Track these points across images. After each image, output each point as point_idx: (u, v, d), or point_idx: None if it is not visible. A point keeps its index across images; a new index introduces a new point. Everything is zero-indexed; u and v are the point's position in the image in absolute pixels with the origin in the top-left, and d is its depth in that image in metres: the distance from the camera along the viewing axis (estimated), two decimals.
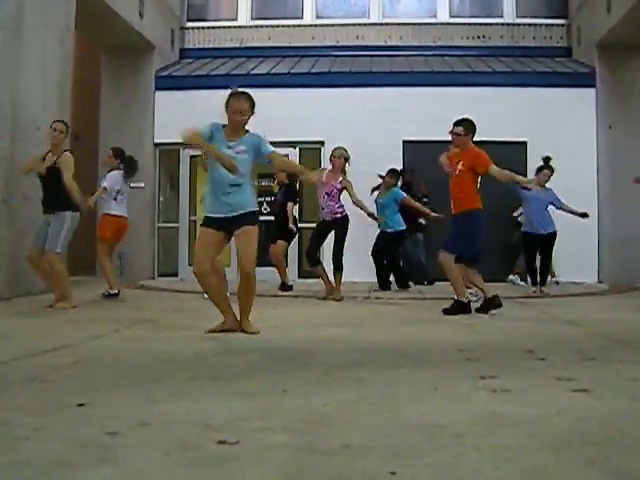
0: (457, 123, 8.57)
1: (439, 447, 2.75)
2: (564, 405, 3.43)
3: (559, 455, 2.64)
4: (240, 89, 6.47)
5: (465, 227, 8.44)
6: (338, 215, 10.41)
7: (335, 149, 10.62)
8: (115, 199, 10.12)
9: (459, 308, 8.25)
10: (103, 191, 10.07)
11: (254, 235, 6.32)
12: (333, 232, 10.49)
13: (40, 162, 8.61)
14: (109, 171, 10.36)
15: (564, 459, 2.61)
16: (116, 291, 9.96)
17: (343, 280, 10.47)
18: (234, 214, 6.25)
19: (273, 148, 6.51)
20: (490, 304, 8.27)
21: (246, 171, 6.34)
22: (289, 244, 12.13)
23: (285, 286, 11.71)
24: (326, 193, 10.35)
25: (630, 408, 3.43)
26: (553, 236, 11.40)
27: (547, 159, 11.47)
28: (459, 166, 8.38)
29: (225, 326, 6.36)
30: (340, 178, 10.40)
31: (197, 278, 6.40)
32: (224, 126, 6.39)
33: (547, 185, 11.38)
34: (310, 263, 10.78)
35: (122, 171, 10.30)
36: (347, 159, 10.49)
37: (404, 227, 11.73)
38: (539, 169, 11.45)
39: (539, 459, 2.60)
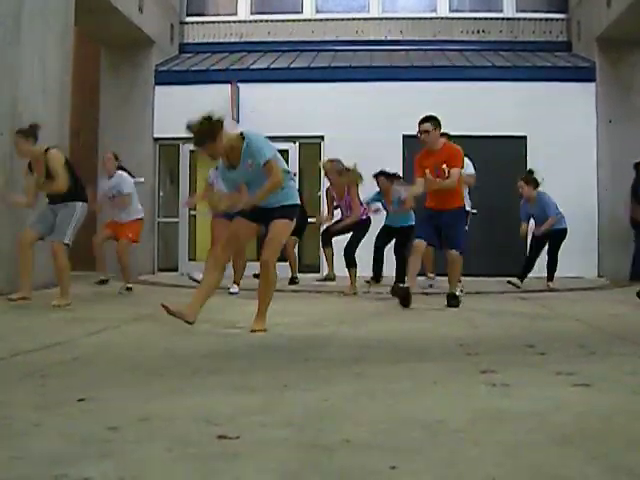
0: (423, 120, 8.54)
1: (439, 442, 2.75)
2: (564, 400, 3.43)
3: (559, 450, 2.64)
4: (188, 123, 5.95)
5: (463, 222, 8.65)
6: (364, 216, 10.72)
7: (325, 163, 10.82)
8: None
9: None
10: (128, 198, 10.16)
11: (282, 228, 6.24)
12: (353, 231, 10.70)
13: (32, 179, 8.36)
14: (109, 177, 10.37)
15: (564, 454, 2.60)
16: (131, 285, 10.26)
17: (342, 275, 10.53)
18: (267, 207, 6.18)
19: (267, 157, 6.04)
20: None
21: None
22: (299, 239, 12.03)
23: (293, 280, 11.71)
24: (347, 207, 10.76)
25: (631, 402, 3.43)
26: (560, 233, 11.38)
27: (529, 172, 11.58)
28: (445, 168, 8.38)
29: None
30: (347, 189, 10.63)
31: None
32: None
33: (542, 189, 11.42)
34: (351, 265, 10.66)
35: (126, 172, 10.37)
36: (339, 170, 10.62)
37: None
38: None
39: (539, 454, 2.60)
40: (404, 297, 8.27)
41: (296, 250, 12.80)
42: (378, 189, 11.04)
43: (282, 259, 11.28)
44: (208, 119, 5.88)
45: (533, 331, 6.39)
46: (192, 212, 15.48)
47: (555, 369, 4.19)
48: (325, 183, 12.31)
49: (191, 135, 5.94)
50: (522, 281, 11.41)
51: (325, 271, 12.13)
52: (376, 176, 11.03)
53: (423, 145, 8.62)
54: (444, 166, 8.36)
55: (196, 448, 2.65)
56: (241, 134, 6.11)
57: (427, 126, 8.45)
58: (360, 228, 10.63)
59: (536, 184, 11.37)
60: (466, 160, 9.23)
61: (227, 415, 3.12)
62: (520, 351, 5.07)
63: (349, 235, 10.71)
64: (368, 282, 11.11)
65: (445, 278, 8.99)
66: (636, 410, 3.28)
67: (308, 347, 5.31)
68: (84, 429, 2.90)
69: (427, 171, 8.41)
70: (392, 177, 11.11)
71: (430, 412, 3.19)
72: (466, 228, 9.60)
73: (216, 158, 6.19)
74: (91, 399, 3.40)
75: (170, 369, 4.32)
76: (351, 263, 10.41)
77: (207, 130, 5.88)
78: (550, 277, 11.60)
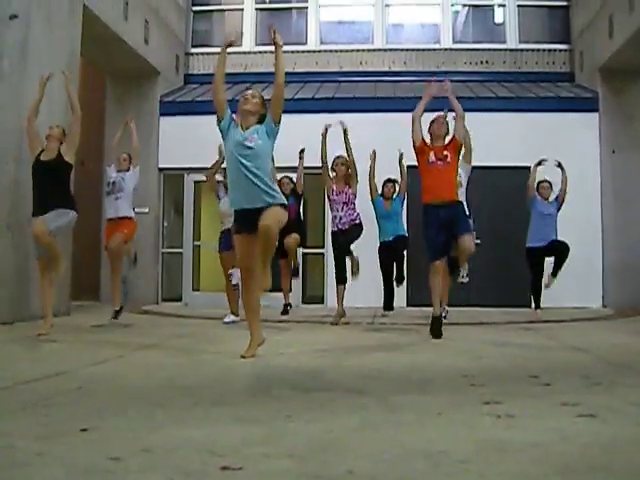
0: (438, 116, 8.77)
1: (443, 474, 2.74)
2: (569, 430, 3.41)
3: None
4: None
5: (465, 214, 8.81)
6: (357, 221, 10.60)
7: (336, 157, 10.74)
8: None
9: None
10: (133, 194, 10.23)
11: (278, 210, 6.33)
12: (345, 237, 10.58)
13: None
14: (119, 170, 10.26)
15: None
16: (118, 308, 10.02)
17: (346, 304, 10.52)
18: (258, 208, 6.31)
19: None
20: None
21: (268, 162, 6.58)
22: (301, 244, 11.86)
23: (296, 271, 11.61)
24: (343, 203, 10.54)
25: (636, 433, 3.41)
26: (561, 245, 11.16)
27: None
28: (446, 153, 8.41)
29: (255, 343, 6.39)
30: (350, 185, 10.66)
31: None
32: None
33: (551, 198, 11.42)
34: (342, 281, 10.67)
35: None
36: (348, 166, 10.70)
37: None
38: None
39: None
40: (437, 327, 8.27)
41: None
42: (382, 193, 11.28)
43: (279, 289, 11.31)
44: None
45: (537, 362, 6.37)
46: (196, 243, 15.51)
47: (559, 400, 4.17)
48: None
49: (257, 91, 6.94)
50: (537, 308, 11.28)
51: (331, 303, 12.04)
52: (385, 183, 11.35)
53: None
54: (445, 152, 8.40)
55: (199, 479, 2.64)
56: (266, 114, 6.78)
57: (443, 119, 8.69)
58: (355, 232, 10.57)
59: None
60: (466, 165, 9.36)
61: (230, 446, 3.11)
62: (524, 382, 5.05)
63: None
64: (384, 315, 11.11)
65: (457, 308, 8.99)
66: None
67: (311, 378, 5.30)
68: (86, 459, 2.89)
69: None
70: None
71: (434, 443, 3.18)
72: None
73: (248, 107, 6.74)
74: (94, 429, 3.39)
75: (173, 399, 4.31)
76: (341, 280, 10.51)
77: (264, 99, 6.97)
78: (554, 274, 11.31)
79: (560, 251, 11.05)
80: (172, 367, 5.82)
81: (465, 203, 9.43)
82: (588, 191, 14.52)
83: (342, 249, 10.48)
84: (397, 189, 11.38)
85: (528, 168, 14.22)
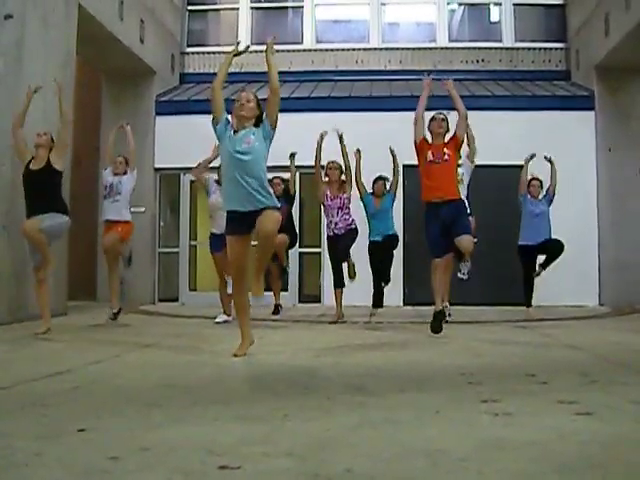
0: (439, 113, 8.76)
1: (442, 472, 2.74)
2: (567, 429, 3.42)
3: (562, 479, 2.63)
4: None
5: (466, 213, 8.72)
6: (352, 226, 10.61)
7: (329, 162, 10.74)
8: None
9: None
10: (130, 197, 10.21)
11: (274, 214, 6.33)
12: (342, 243, 10.56)
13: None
14: (116, 174, 10.23)
15: None
16: (116, 310, 10.01)
17: (344, 303, 10.54)
18: (254, 210, 6.33)
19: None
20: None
21: (263, 166, 6.51)
22: (290, 246, 11.81)
23: (276, 309, 11.59)
24: (338, 208, 10.51)
25: (633, 431, 3.41)
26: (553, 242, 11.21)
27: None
28: (446, 151, 8.40)
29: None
30: (344, 190, 10.61)
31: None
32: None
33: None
34: (340, 285, 10.70)
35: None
36: (342, 171, 10.68)
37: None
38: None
39: None
40: (438, 322, 8.25)
41: (294, 277, 12.74)
42: (372, 191, 11.20)
43: (267, 289, 11.27)
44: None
45: (535, 360, 6.38)
46: (192, 242, 15.51)
47: (557, 398, 4.18)
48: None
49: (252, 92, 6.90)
50: (528, 306, 11.31)
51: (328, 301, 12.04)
52: (375, 181, 11.25)
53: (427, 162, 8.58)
54: (445, 149, 8.40)
55: (197, 478, 2.64)
56: (262, 114, 6.75)
57: (443, 116, 8.68)
58: (350, 237, 10.59)
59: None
60: (468, 162, 9.32)
61: (228, 445, 3.11)
62: (522, 380, 5.05)
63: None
64: (372, 314, 11.10)
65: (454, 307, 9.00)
66: (638, 439, 3.26)
67: (309, 376, 5.30)
68: (85, 459, 2.89)
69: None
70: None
71: (432, 441, 3.18)
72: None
73: (244, 111, 6.66)
74: (92, 429, 3.39)
75: (171, 399, 4.30)
76: (339, 283, 10.58)
77: (259, 101, 6.85)
78: (544, 266, 11.37)
79: (552, 250, 11.08)
80: (169, 367, 5.81)
81: (467, 201, 9.43)
82: (584, 189, 14.54)
83: (340, 255, 10.48)
84: (388, 187, 11.34)
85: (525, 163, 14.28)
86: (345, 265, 10.61)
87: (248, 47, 7.01)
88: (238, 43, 6.99)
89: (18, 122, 8.69)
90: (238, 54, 6.91)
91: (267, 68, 6.74)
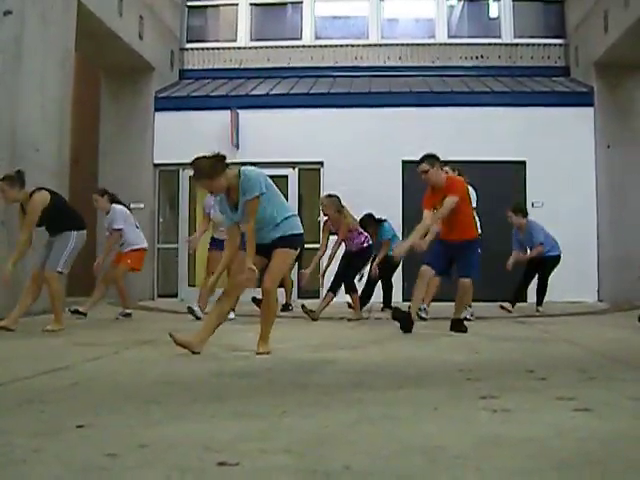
0: (419, 162, 8.46)
1: (440, 468, 2.73)
2: (565, 425, 3.42)
3: (561, 476, 2.63)
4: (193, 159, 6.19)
5: (475, 252, 8.63)
6: (364, 245, 10.68)
7: (322, 200, 10.81)
8: (137, 227, 10.32)
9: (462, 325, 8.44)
10: (117, 234, 10.18)
11: (285, 256, 6.42)
12: (353, 258, 10.63)
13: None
14: (106, 212, 10.37)
15: (565, 479, 2.59)
16: (130, 311, 10.33)
17: (341, 300, 10.56)
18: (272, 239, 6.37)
19: (253, 194, 6.13)
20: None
21: (270, 211, 6.30)
22: (298, 264, 11.92)
23: (286, 307, 11.68)
24: (349, 239, 10.65)
25: (632, 427, 3.41)
26: (553, 259, 11.46)
27: (517, 203, 11.91)
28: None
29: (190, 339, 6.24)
30: (345, 224, 10.54)
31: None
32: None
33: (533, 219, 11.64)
34: (354, 289, 10.72)
35: (122, 205, 10.37)
36: (337, 207, 10.53)
37: None
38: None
39: None
40: (406, 322, 8.26)
41: (294, 273, 12.76)
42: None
43: (279, 285, 11.27)
44: (211, 158, 6.04)
45: (533, 356, 6.38)
46: (191, 238, 15.48)
47: (555, 394, 4.17)
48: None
49: (192, 168, 6.15)
50: (513, 306, 11.43)
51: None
52: (362, 219, 11.22)
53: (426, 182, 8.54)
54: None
55: (196, 475, 2.64)
56: (239, 171, 6.17)
57: (423, 167, 8.35)
58: (364, 255, 10.66)
59: (525, 213, 11.51)
60: (470, 189, 9.18)
61: (227, 442, 3.10)
62: (520, 376, 5.05)
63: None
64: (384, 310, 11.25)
65: (442, 304, 9.00)
66: (637, 435, 3.26)
67: (308, 373, 5.30)
68: (83, 456, 2.88)
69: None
70: (378, 221, 11.48)
71: (430, 438, 3.18)
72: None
73: (214, 193, 6.44)
74: (90, 425, 3.39)
75: (169, 395, 4.30)
76: (353, 288, 10.48)
77: (207, 167, 6.03)
78: (539, 302, 11.67)
79: (545, 266, 11.48)
80: (168, 363, 5.81)
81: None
82: (583, 185, 14.54)
83: (347, 278, 10.54)
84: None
85: (523, 162, 14.28)
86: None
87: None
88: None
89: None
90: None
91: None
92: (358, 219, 11.02)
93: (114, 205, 10.34)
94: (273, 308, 6.47)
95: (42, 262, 8.45)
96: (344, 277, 10.51)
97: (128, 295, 10.48)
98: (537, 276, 11.76)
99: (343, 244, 10.68)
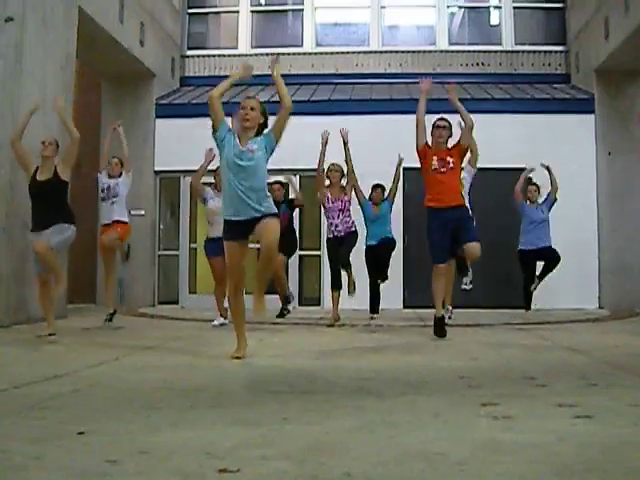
0: (442, 118, 8.60)
1: (441, 475, 2.73)
2: (566, 431, 3.42)
3: None
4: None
5: (471, 218, 8.72)
6: (353, 229, 10.64)
7: (331, 164, 10.73)
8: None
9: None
10: (126, 199, 10.20)
11: (275, 222, 6.40)
12: (340, 246, 10.57)
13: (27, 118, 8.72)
14: (111, 176, 10.22)
15: None
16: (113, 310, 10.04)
17: (343, 307, 10.55)
18: (253, 217, 6.38)
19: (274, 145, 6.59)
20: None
21: (264, 177, 6.53)
22: (290, 253, 11.84)
23: (287, 300, 11.51)
24: (339, 210, 10.52)
25: (633, 434, 3.41)
26: (550, 249, 11.29)
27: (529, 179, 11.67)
28: (449, 159, 8.34)
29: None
30: (345, 193, 10.65)
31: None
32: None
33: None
34: (337, 287, 10.71)
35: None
36: (343, 174, 10.73)
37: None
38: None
39: None
40: (440, 328, 8.30)
41: (294, 281, 12.75)
42: (370, 198, 11.45)
43: (272, 291, 11.29)
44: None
45: (534, 363, 6.37)
46: (192, 245, 15.50)
47: (556, 401, 4.17)
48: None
49: (255, 99, 6.68)
50: (529, 309, 11.35)
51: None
52: (373, 188, 11.53)
53: (428, 168, 8.51)
54: (449, 158, 8.33)
55: None
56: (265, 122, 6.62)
57: (446, 123, 8.52)
58: (352, 239, 10.65)
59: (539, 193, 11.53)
60: (470, 167, 9.22)
61: (227, 448, 3.10)
62: (521, 383, 5.05)
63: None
64: (372, 318, 11.20)
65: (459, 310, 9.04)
66: (638, 441, 3.26)
67: (308, 379, 5.30)
68: (83, 462, 2.88)
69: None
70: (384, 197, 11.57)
71: (431, 445, 3.17)
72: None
73: (250, 121, 6.51)
74: (91, 432, 3.39)
75: (170, 402, 4.30)
76: (337, 285, 10.57)
77: (265, 108, 6.64)
78: (541, 277, 11.42)
79: (550, 258, 11.11)
80: (169, 369, 5.81)
81: (468, 205, 9.43)
82: (584, 192, 14.53)
83: (341, 259, 10.46)
84: (386, 194, 11.40)
85: (523, 170, 14.27)
86: (345, 278, 10.59)
87: (250, 69, 6.88)
88: (243, 76, 6.84)
89: (17, 137, 8.68)
90: (242, 78, 6.80)
91: (276, 87, 6.62)
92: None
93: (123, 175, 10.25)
94: (274, 265, 6.57)
95: (43, 266, 8.34)
96: (332, 273, 10.69)
97: (114, 294, 10.31)
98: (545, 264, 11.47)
99: (331, 221, 10.64)
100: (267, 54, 17.26)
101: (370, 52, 17.52)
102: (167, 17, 16.65)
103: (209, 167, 9.84)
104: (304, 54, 17.45)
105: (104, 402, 4.33)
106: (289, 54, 17.30)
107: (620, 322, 11.37)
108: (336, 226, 10.52)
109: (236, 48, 17.49)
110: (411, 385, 5.03)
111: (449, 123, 8.55)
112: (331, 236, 10.62)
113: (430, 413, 3.91)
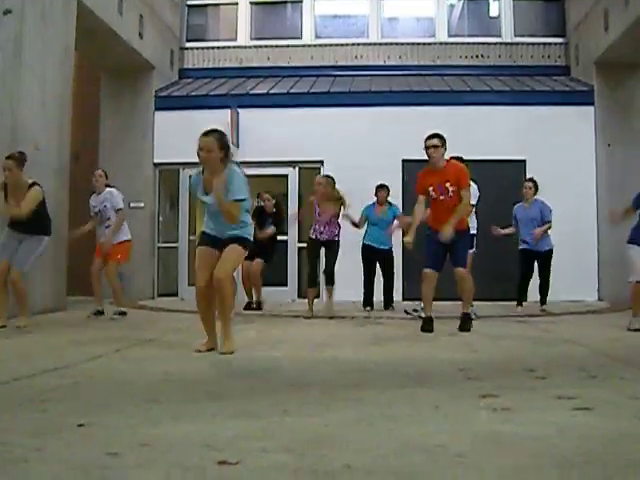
0: (431, 136, 8.40)
1: (441, 467, 2.74)
2: (566, 424, 3.42)
3: (561, 474, 2.63)
4: (213, 127, 6.51)
5: (467, 244, 8.64)
6: (337, 238, 10.77)
7: (318, 177, 10.95)
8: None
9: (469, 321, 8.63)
10: (121, 214, 10.13)
11: (237, 252, 6.45)
12: (326, 248, 10.78)
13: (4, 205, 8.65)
14: (98, 193, 10.25)
15: (566, 478, 2.59)
16: (125, 310, 10.21)
17: (343, 299, 10.56)
18: (228, 237, 6.45)
19: (239, 197, 6.36)
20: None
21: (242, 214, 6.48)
22: (267, 262, 12.00)
23: (259, 305, 11.74)
24: (326, 223, 10.71)
25: (632, 426, 3.41)
26: (548, 253, 11.43)
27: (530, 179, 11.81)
28: (449, 186, 8.29)
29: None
30: (332, 207, 10.65)
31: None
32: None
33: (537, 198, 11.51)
34: (312, 284, 10.84)
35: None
36: (332, 185, 10.72)
37: None
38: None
39: (541, 478, 2.59)
40: (429, 325, 8.39)
41: (293, 273, 12.77)
42: (375, 200, 11.59)
43: (270, 283, 11.39)
44: (224, 135, 6.50)
45: (533, 355, 6.38)
46: (192, 237, 15.49)
47: (556, 393, 4.18)
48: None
49: (214, 134, 6.40)
50: (521, 304, 11.45)
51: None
52: (378, 189, 11.61)
53: (426, 165, 8.50)
54: (448, 184, 8.26)
55: (196, 474, 2.64)
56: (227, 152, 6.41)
57: (435, 141, 8.33)
58: (335, 246, 10.78)
59: (537, 190, 11.53)
60: (472, 185, 9.09)
61: (227, 440, 3.11)
62: (521, 375, 5.05)
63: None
64: (367, 310, 11.29)
65: (439, 303, 9.06)
66: (637, 434, 3.26)
67: (308, 372, 5.31)
68: (84, 455, 2.89)
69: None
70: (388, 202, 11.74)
71: (431, 437, 3.18)
72: (474, 250, 9.72)
73: (207, 161, 6.39)
74: (91, 424, 3.39)
75: (170, 394, 4.30)
76: (332, 280, 10.64)
77: (221, 135, 6.43)
78: (544, 301, 11.61)
79: (542, 262, 11.47)
80: (169, 362, 5.81)
81: (475, 221, 9.52)
82: (583, 184, 14.52)
83: (327, 267, 10.73)
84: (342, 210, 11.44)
85: (523, 161, 14.27)
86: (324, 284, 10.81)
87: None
88: None
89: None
90: None
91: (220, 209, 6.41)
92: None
93: (110, 188, 10.26)
94: (228, 301, 6.38)
95: (9, 256, 8.58)
96: (310, 271, 11.00)
97: (122, 293, 10.38)
98: (537, 273, 11.68)
99: (317, 227, 10.74)
100: (266, 46, 17.33)
101: (369, 44, 17.48)
102: (166, 9, 16.61)
103: None
104: (303, 46, 17.41)
105: (104, 395, 4.33)
106: (288, 46, 17.28)
107: (620, 314, 11.36)
108: (320, 232, 10.74)
109: (235, 40, 17.44)
110: (411, 377, 5.03)
111: (440, 139, 8.38)
112: (314, 237, 10.80)
113: (430, 405, 3.91)
